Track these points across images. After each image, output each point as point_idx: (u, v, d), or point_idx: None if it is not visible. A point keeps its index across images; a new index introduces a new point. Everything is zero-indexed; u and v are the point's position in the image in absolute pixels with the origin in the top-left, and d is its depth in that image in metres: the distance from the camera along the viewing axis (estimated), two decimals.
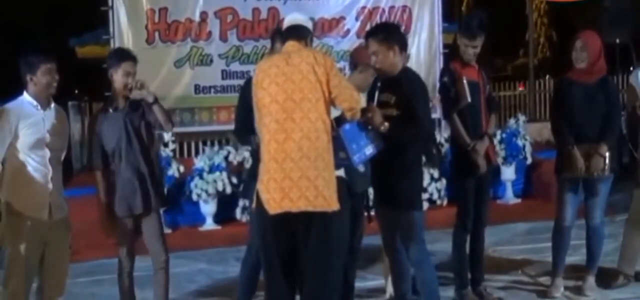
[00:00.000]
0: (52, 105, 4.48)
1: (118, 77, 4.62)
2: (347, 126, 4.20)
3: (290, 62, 3.95)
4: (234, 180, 8.58)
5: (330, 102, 3.98)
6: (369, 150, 4.23)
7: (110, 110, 4.68)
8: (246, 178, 5.42)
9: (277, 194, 3.89)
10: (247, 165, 7.25)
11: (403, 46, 4.53)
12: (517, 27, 18.31)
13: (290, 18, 4.28)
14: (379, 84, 4.57)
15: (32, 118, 4.32)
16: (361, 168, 4.48)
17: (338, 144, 4.19)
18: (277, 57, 4.07)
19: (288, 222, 3.92)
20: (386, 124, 4.23)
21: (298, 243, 3.98)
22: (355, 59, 4.79)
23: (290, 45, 4.09)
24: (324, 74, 3.93)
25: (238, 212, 8.60)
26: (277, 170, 3.89)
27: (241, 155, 8.73)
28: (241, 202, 8.44)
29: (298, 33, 4.14)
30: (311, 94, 3.90)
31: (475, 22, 5.17)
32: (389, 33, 4.53)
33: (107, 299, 5.87)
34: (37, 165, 4.33)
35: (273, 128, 3.92)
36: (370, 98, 4.56)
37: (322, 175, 3.90)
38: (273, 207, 3.91)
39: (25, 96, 4.38)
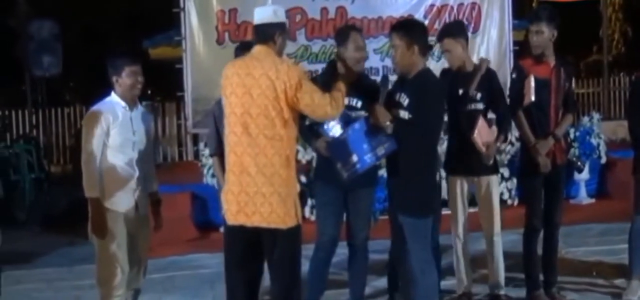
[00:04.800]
0: (139, 106, 4.59)
1: None
2: (356, 125, 4.17)
3: (251, 73, 3.86)
4: (303, 179, 8.62)
5: (294, 117, 3.93)
6: (381, 151, 4.17)
7: None
8: (314, 177, 5.44)
9: (233, 206, 3.92)
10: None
11: (424, 49, 4.38)
12: (591, 23, 17.80)
13: (257, 16, 4.08)
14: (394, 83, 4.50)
15: (121, 118, 4.41)
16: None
17: (346, 146, 4.16)
18: (241, 63, 3.98)
19: (243, 234, 3.99)
20: (389, 123, 4.18)
21: (254, 250, 4.07)
22: None
23: (257, 51, 3.98)
24: (285, 90, 3.82)
25: (307, 211, 8.65)
26: (235, 183, 3.91)
27: (310, 154, 8.76)
28: (310, 201, 8.48)
29: (263, 35, 4.00)
30: (268, 110, 3.84)
31: (542, 12, 5.11)
32: (412, 31, 4.39)
33: (178, 294, 6.02)
34: (125, 163, 4.41)
35: (232, 140, 3.91)
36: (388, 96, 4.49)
37: (278, 192, 3.89)
38: (229, 218, 3.98)
39: (114, 97, 4.47)
